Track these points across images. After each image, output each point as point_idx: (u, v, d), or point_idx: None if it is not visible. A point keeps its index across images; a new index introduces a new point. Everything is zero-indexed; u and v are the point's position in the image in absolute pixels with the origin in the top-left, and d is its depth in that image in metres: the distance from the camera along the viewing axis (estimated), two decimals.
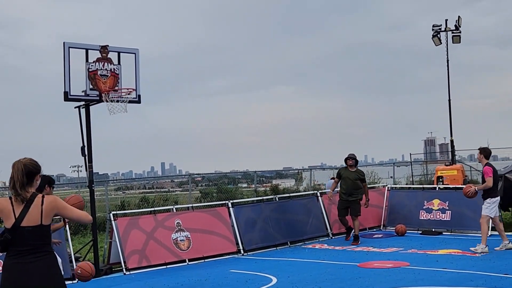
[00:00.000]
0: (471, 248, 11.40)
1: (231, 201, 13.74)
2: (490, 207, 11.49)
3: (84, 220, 5.01)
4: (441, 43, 22.97)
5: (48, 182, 8.07)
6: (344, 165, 14.31)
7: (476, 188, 12.17)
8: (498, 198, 11.63)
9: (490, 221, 11.82)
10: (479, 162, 18.77)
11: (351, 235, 13.98)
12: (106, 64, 11.39)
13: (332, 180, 20.79)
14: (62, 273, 5.25)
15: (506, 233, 13.50)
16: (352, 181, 13.89)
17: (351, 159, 14.07)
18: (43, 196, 4.75)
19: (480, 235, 11.59)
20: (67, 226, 10.99)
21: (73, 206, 7.25)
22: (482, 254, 11.14)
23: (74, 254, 11.48)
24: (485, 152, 11.80)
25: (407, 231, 14.45)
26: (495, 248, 11.40)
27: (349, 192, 13.81)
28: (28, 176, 4.71)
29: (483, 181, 11.61)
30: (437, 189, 15.88)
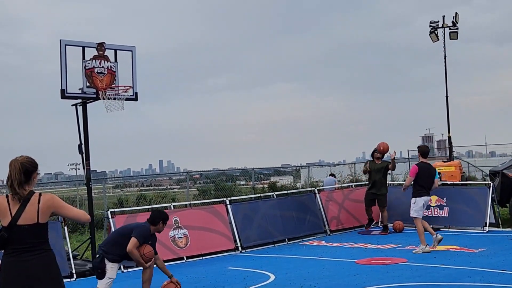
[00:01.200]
0: (413, 252, 11.34)
1: (229, 199, 13.75)
2: (415, 208, 11.51)
3: (82, 219, 4.98)
4: (438, 39, 22.95)
5: (163, 219, 8.44)
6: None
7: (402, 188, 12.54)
8: (424, 198, 11.54)
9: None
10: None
11: (380, 225, 14.96)
12: (103, 61, 11.38)
13: (330, 177, 20.89)
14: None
15: (504, 229, 13.55)
16: (378, 172, 14.55)
17: (377, 153, 14.64)
18: (40, 194, 4.74)
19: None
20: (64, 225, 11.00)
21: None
22: (424, 253, 11.12)
23: (72, 252, 11.47)
24: (421, 151, 11.87)
25: (405, 228, 14.46)
26: (413, 251, 11.35)
27: (376, 185, 14.52)
28: (25, 174, 4.71)
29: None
30: None
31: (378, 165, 14.63)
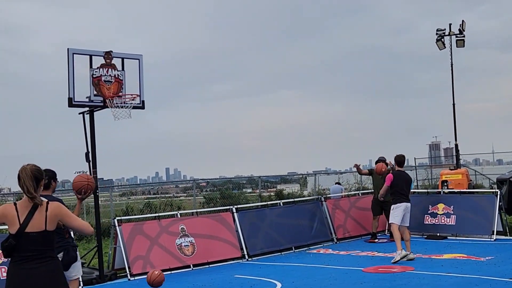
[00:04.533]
0: (391, 261, 11.28)
1: (235, 206, 13.75)
2: (394, 214, 11.61)
3: (86, 230, 4.99)
4: (445, 47, 22.93)
5: (53, 177, 7.92)
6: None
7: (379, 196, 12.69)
8: (403, 204, 11.59)
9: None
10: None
11: (387, 233, 15.02)
12: (110, 70, 11.43)
13: (337, 185, 20.87)
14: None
15: (510, 237, 13.50)
16: (382, 180, 14.22)
17: (382, 162, 14.47)
18: (47, 202, 4.77)
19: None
20: (71, 232, 10.99)
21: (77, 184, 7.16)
22: (404, 259, 11.10)
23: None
24: (397, 160, 12.04)
25: (411, 236, 14.40)
26: (391, 261, 11.29)
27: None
28: (36, 181, 4.75)
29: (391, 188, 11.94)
30: (441, 193, 15.85)
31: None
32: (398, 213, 11.57)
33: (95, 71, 11.27)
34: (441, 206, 14.64)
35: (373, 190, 15.20)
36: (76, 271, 7.50)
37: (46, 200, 4.81)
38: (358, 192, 18.06)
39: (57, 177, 7.93)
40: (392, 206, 11.74)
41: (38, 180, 4.78)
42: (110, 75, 11.40)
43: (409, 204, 11.75)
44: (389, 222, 11.83)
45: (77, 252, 7.63)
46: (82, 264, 11.58)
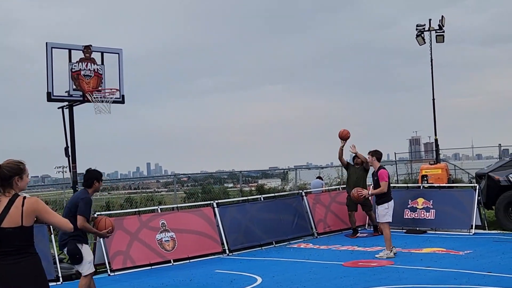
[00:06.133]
0: (376, 255, 11.32)
1: (216, 201, 13.73)
2: (389, 213, 11.45)
3: (64, 227, 4.95)
4: (425, 42, 23.05)
5: (96, 178, 8.06)
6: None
7: (369, 192, 12.32)
8: (392, 201, 11.57)
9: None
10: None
11: (368, 227, 15.33)
12: (89, 64, 11.35)
13: (317, 180, 20.93)
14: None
15: (490, 231, 13.64)
16: (358, 176, 14.59)
17: (358, 158, 14.65)
18: (24, 198, 4.72)
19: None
20: (51, 227, 10.93)
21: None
22: (388, 258, 11.07)
23: (58, 255, 11.41)
24: (377, 155, 11.82)
25: (391, 231, 14.48)
26: (375, 255, 11.35)
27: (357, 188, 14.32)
28: (3, 179, 4.70)
29: (377, 185, 11.58)
30: (421, 188, 15.97)
31: (358, 170, 14.67)
32: (391, 211, 11.49)
33: (74, 65, 11.19)
34: (420, 200, 14.73)
35: (346, 186, 15.18)
36: (80, 267, 7.62)
37: (24, 196, 4.77)
38: (338, 186, 18.12)
39: (101, 178, 8.08)
40: (386, 205, 11.43)
41: (6, 178, 4.73)
42: (89, 70, 11.33)
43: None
44: (381, 221, 11.47)
45: (79, 245, 7.68)
46: (61, 259, 11.53)
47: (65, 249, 7.80)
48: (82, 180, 8.69)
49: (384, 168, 11.77)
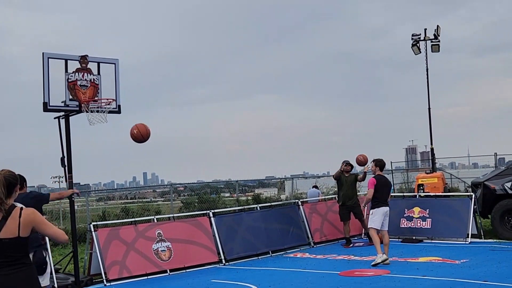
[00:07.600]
0: (371, 264, 11.36)
1: (212, 211, 13.73)
2: (373, 219, 11.67)
3: (60, 238, 4.90)
4: (420, 52, 23.20)
5: (22, 181, 7.69)
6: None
7: (363, 203, 12.74)
8: (383, 209, 11.69)
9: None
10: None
11: (364, 236, 15.33)
12: (85, 74, 11.35)
13: (314, 189, 20.95)
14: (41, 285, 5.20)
15: (486, 240, 13.65)
16: (349, 185, 14.69)
17: (348, 165, 14.79)
18: (21, 209, 4.73)
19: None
20: (46, 238, 10.89)
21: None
22: (384, 264, 11.18)
23: (54, 265, 11.39)
24: (380, 164, 12.10)
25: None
26: (371, 264, 11.36)
27: (349, 196, 14.58)
28: (8, 188, 4.70)
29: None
30: (417, 197, 15.99)
31: (349, 178, 14.74)
32: (378, 217, 11.62)
33: (71, 76, 11.18)
34: (417, 209, 14.75)
35: (337, 196, 15.26)
36: (41, 278, 7.38)
37: (20, 206, 4.77)
38: (335, 196, 18.12)
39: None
40: (371, 211, 11.77)
41: (11, 186, 4.75)
42: (85, 80, 11.32)
43: (388, 208, 11.83)
44: (368, 226, 11.84)
45: (46, 255, 7.52)
46: (57, 270, 11.51)
47: (32, 256, 7.52)
48: (79, 190, 8.69)
49: (378, 177, 11.92)
